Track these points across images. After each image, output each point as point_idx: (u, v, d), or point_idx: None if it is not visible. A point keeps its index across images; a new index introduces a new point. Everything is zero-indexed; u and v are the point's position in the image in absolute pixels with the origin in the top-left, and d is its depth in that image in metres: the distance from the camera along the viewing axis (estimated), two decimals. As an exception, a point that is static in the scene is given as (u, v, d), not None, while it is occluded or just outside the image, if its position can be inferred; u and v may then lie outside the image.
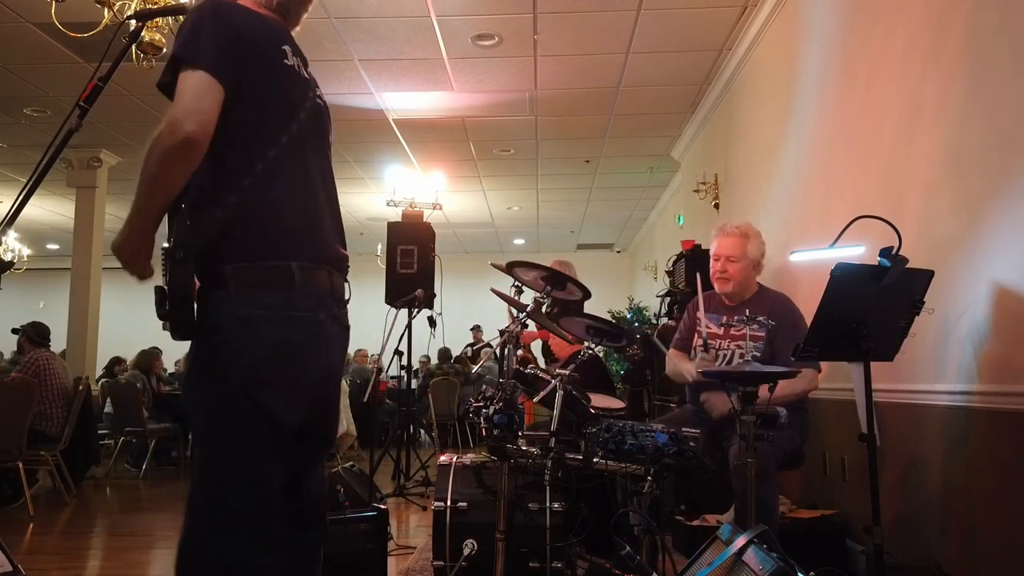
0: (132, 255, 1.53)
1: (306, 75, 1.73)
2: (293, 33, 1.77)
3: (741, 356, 3.04)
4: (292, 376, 1.55)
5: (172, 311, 1.47)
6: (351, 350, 9.63)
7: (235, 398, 1.49)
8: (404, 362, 5.90)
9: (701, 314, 3.22)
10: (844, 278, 2.28)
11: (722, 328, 3.15)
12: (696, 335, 3.23)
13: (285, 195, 1.58)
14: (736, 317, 3.12)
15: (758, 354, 3.02)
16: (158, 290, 1.48)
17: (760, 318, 3.07)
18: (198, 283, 1.51)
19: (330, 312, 1.63)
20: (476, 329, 11.23)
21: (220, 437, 1.52)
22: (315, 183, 1.68)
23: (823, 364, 2.98)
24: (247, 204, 1.53)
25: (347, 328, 1.73)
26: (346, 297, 1.72)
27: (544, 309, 3.92)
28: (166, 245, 1.48)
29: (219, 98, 1.47)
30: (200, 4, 1.57)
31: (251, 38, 1.58)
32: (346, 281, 1.73)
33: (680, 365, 3.20)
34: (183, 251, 1.45)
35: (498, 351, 2.84)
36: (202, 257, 1.49)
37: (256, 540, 1.50)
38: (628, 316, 9.68)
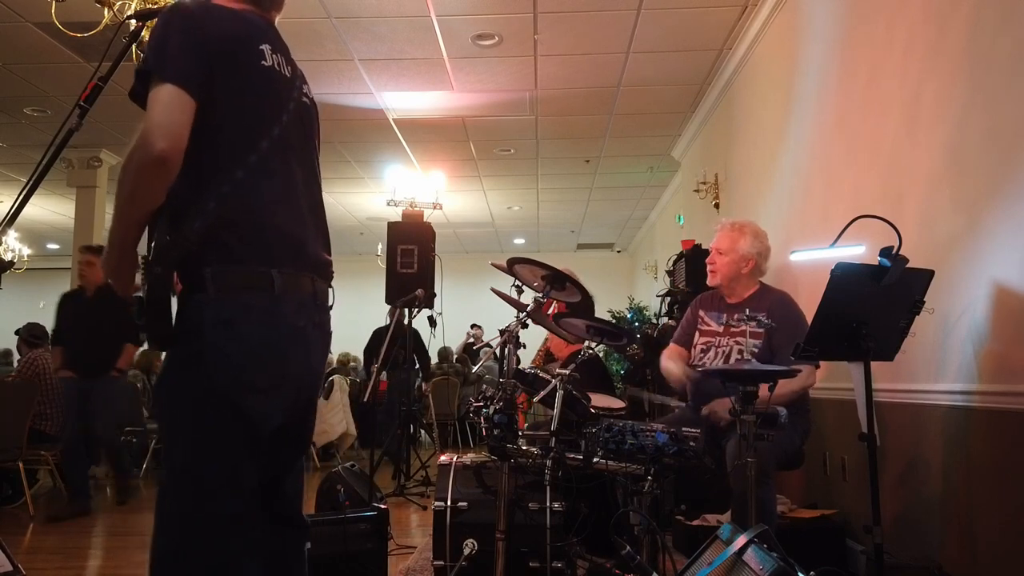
0: (112, 271, 1.53)
1: (288, 73, 1.68)
2: (277, 21, 1.73)
3: (740, 353, 3.04)
4: (273, 379, 1.54)
5: (149, 322, 1.46)
6: (352, 351, 9.64)
7: (215, 401, 1.48)
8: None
9: (703, 312, 3.23)
10: (844, 278, 2.28)
11: (722, 326, 3.16)
12: (697, 332, 3.23)
13: (266, 201, 1.56)
14: (736, 316, 3.12)
15: (756, 351, 3.02)
16: (136, 300, 1.48)
17: (759, 316, 3.08)
18: (179, 287, 1.50)
19: (311, 318, 1.61)
20: (476, 327, 11.21)
21: (198, 440, 1.50)
22: (297, 187, 1.65)
23: (822, 362, 2.97)
24: (227, 210, 1.51)
25: (329, 334, 1.72)
26: (329, 303, 1.71)
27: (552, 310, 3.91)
28: (144, 256, 1.48)
29: (189, 110, 1.46)
30: (169, 9, 1.54)
31: (223, 42, 1.54)
32: (330, 287, 1.71)
33: (667, 364, 3.24)
34: (160, 265, 1.44)
35: (498, 351, 2.84)
36: (183, 261, 1.48)
37: (235, 545, 1.50)
38: (628, 316, 9.68)
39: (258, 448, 1.54)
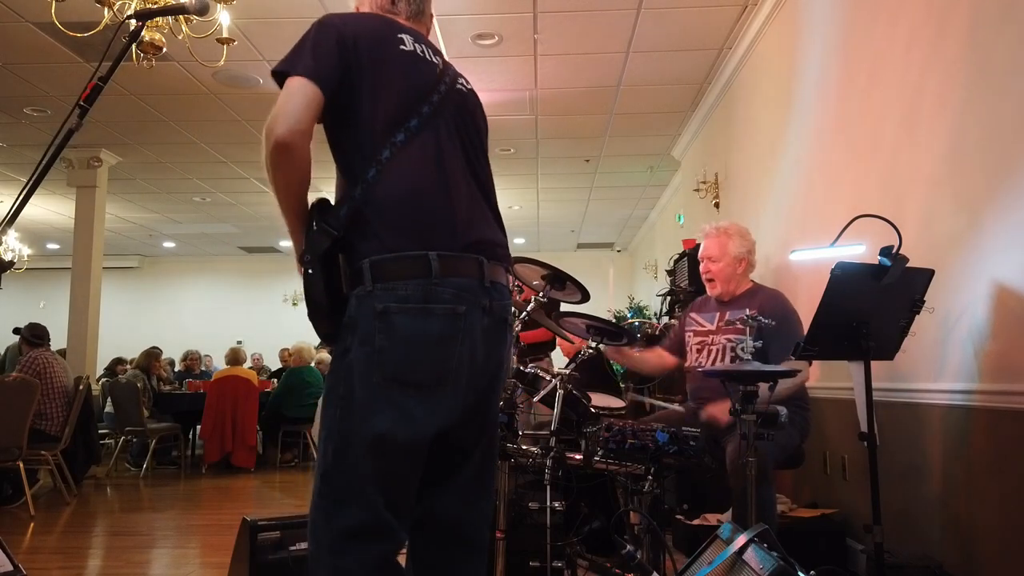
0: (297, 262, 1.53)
1: (436, 61, 1.68)
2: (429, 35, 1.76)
3: (732, 350, 3.05)
4: (432, 373, 1.46)
5: (310, 317, 1.47)
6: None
7: (373, 398, 1.43)
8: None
9: (695, 315, 3.26)
10: (844, 277, 2.28)
11: (715, 325, 3.19)
12: (691, 333, 3.25)
13: (417, 180, 1.52)
14: (728, 313, 3.15)
15: (751, 348, 3.03)
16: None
17: (750, 313, 3.09)
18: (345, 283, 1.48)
19: (476, 303, 1.50)
20: None
21: (340, 444, 1.45)
22: (453, 167, 1.58)
23: (822, 361, 2.97)
24: (375, 195, 1.48)
25: (503, 321, 1.59)
26: (505, 285, 1.62)
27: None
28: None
29: (311, 95, 1.45)
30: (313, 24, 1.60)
31: (357, 35, 1.56)
32: (506, 269, 1.63)
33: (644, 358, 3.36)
34: (311, 254, 1.45)
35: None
36: (344, 255, 1.47)
37: (361, 558, 1.43)
38: (628, 315, 9.68)
39: (418, 453, 1.47)
